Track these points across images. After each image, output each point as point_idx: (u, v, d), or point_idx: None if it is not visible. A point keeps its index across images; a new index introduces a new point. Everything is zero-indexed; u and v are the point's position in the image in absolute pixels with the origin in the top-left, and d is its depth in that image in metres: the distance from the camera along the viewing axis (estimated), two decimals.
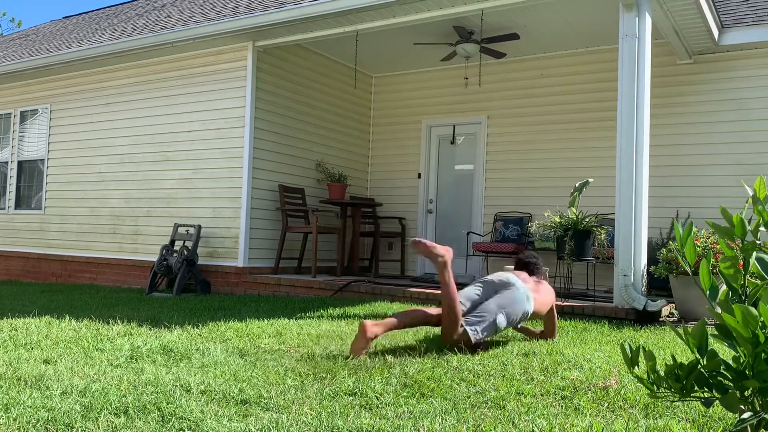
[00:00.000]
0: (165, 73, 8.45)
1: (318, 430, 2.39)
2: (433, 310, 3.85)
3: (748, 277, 1.65)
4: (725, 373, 1.60)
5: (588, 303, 5.61)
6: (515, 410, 2.63)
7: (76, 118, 9.41)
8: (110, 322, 4.82)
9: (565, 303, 5.59)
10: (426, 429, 2.41)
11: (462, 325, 3.67)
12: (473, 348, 3.67)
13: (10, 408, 2.54)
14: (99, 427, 2.36)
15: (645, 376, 1.69)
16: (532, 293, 3.91)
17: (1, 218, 10.25)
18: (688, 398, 1.64)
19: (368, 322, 3.59)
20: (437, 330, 4.54)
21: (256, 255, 7.67)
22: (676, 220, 5.60)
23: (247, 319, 5.00)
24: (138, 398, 2.70)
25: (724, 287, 1.67)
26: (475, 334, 3.65)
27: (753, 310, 1.47)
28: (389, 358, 3.50)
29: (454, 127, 8.94)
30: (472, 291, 3.92)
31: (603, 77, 7.66)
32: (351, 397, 2.81)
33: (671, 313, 5.75)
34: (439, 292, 6.17)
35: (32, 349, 3.83)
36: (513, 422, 2.49)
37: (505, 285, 3.88)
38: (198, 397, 2.76)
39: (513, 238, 7.94)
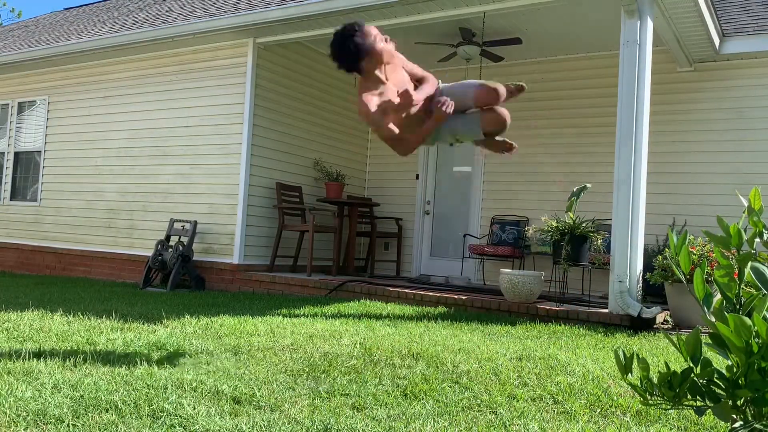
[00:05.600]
0: (164, 67, 8.43)
1: (310, 429, 2.38)
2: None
3: (742, 286, 1.65)
4: (718, 382, 1.60)
5: (583, 308, 5.61)
6: (508, 414, 2.63)
7: (74, 110, 9.38)
8: (104, 316, 4.80)
9: (560, 308, 5.59)
10: (418, 431, 2.41)
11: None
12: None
13: (0, 400, 2.53)
14: (90, 423, 2.35)
15: (638, 383, 1.69)
16: None
17: None
18: (680, 406, 1.64)
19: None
20: (431, 332, 4.53)
21: (251, 252, 7.66)
22: (671, 229, 5.60)
23: (241, 317, 4.99)
24: (130, 394, 2.69)
25: (719, 296, 1.67)
26: None
27: (747, 319, 1.47)
28: (382, 359, 3.50)
29: None
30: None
31: (603, 83, 7.66)
32: (343, 398, 2.80)
33: (666, 321, 5.75)
34: (433, 293, 6.18)
35: (24, 341, 3.81)
36: (505, 426, 2.49)
37: None
38: (190, 393, 2.75)
39: (509, 242, 7.94)
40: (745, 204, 1.68)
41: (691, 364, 1.59)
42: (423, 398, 2.83)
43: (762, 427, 1.52)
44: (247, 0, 8.03)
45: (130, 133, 8.67)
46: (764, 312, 1.50)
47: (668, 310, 5.66)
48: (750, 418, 1.55)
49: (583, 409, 2.73)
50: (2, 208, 10.15)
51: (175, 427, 2.35)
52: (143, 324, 4.53)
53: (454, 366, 3.35)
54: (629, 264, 5.29)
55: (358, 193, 9.33)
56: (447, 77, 8.89)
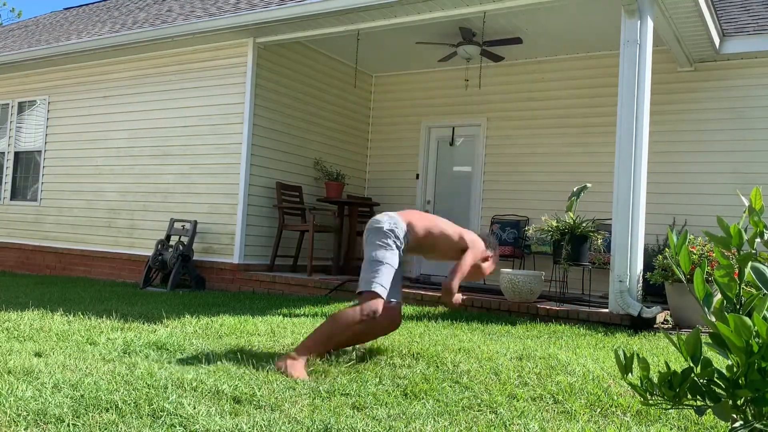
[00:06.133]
0: (164, 67, 8.43)
1: (310, 429, 2.38)
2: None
3: (743, 286, 1.65)
4: (718, 381, 1.60)
5: (583, 308, 5.61)
6: (508, 414, 2.63)
7: (75, 110, 9.38)
8: (104, 316, 4.80)
9: (560, 308, 5.59)
10: (418, 431, 2.41)
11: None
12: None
13: (0, 400, 2.53)
14: (90, 422, 2.35)
15: (638, 383, 1.69)
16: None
17: None
18: (680, 406, 1.64)
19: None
20: (431, 332, 4.54)
21: (251, 252, 7.66)
22: (672, 228, 5.61)
23: (242, 316, 4.99)
24: (130, 393, 2.69)
25: (719, 296, 1.67)
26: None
27: (747, 319, 1.47)
28: (382, 359, 3.50)
29: (453, 128, 8.93)
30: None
31: (603, 82, 7.67)
32: (344, 397, 2.80)
33: (666, 320, 5.75)
34: (433, 293, 6.18)
35: (24, 341, 3.81)
36: (505, 426, 2.49)
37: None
38: (190, 393, 2.75)
39: (510, 242, 7.94)
40: (746, 204, 1.68)
41: (692, 364, 1.59)
42: (423, 398, 2.83)
43: (762, 427, 1.52)
44: (247, 0, 8.03)
45: (130, 132, 8.67)
46: (764, 312, 1.51)
47: (668, 309, 5.66)
48: (750, 418, 1.55)
49: (584, 409, 2.73)
50: (2, 208, 10.15)
51: (175, 426, 2.35)
52: (143, 324, 4.53)
53: (454, 366, 3.35)
54: (629, 264, 5.29)
55: (358, 193, 9.33)
56: (449, 77, 8.91)
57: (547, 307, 5.58)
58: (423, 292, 6.28)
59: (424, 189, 9.13)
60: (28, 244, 9.67)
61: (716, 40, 6.76)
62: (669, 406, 1.65)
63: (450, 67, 8.72)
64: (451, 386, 3.02)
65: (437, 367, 3.34)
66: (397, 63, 8.99)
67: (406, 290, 6.41)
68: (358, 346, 3.67)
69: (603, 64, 7.76)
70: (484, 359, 3.53)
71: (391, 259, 3.35)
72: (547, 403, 2.82)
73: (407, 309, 5.76)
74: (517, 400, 2.83)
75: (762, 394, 1.50)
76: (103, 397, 2.61)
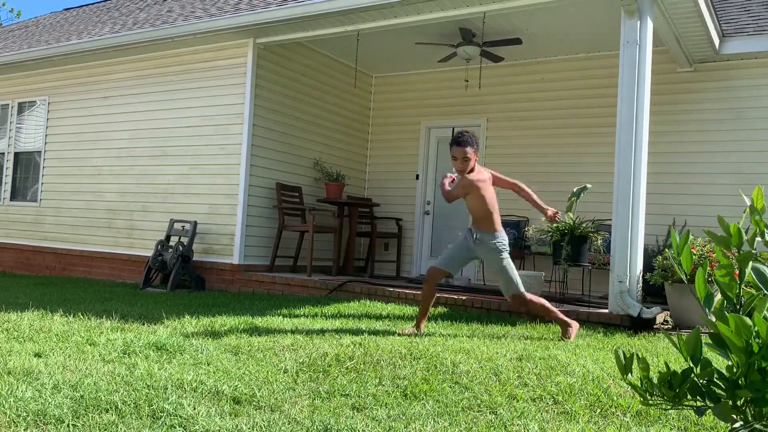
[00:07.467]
0: (164, 67, 8.43)
1: (310, 429, 2.38)
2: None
3: (743, 286, 1.65)
4: (718, 382, 1.60)
5: (583, 309, 5.60)
6: (508, 414, 2.63)
7: (75, 110, 9.38)
8: (104, 316, 4.80)
9: (560, 308, 5.58)
10: (417, 431, 2.41)
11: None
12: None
13: (0, 401, 2.53)
14: (90, 423, 2.35)
15: (638, 383, 1.69)
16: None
17: None
18: (680, 406, 1.64)
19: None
20: (431, 332, 4.53)
21: (251, 252, 7.66)
22: (673, 228, 5.62)
23: (241, 317, 4.99)
24: (130, 394, 2.69)
25: (719, 296, 1.67)
26: None
27: (747, 319, 1.47)
28: (382, 359, 3.50)
29: (453, 128, 8.93)
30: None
31: (603, 83, 7.66)
32: (344, 398, 2.80)
33: (666, 321, 5.75)
34: None
35: (24, 342, 3.81)
36: (505, 426, 2.49)
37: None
38: (190, 394, 2.75)
39: (509, 242, 7.93)
40: (748, 203, 1.68)
41: (691, 364, 1.59)
42: (423, 398, 2.83)
43: (762, 427, 1.52)
44: (247, 0, 8.03)
45: (130, 133, 8.67)
46: (765, 312, 1.50)
47: (668, 310, 5.66)
48: (750, 419, 1.55)
49: (583, 410, 2.73)
50: (2, 209, 10.15)
51: (175, 427, 2.35)
52: (143, 324, 4.53)
53: (454, 366, 3.35)
54: (629, 264, 5.28)
55: (358, 193, 9.33)
56: (449, 77, 8.90)
57: None
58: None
59: (424, 189, 9.13)
60: (27, 245, 9.67)
61: (716, 41, 6.75)
62: (669, 407, 1.65)
63: (450, 68, 8.72)
64: (450, 387, 3.02)
65: (437, 367, 3.33)
66: (397, 63, 8.99)
67: (406, 291, 6.41)
68: (359, 344, 3.67)
69: (603, 65, 7.76)
70: (483, 360, 3.53)
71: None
72: (547, 403, 2.82)
73: (407, 309, 5.76)
74: (517, 401, 2.83)
75: (762, 395, 1.49)
76: (103, 398, 2.60)
